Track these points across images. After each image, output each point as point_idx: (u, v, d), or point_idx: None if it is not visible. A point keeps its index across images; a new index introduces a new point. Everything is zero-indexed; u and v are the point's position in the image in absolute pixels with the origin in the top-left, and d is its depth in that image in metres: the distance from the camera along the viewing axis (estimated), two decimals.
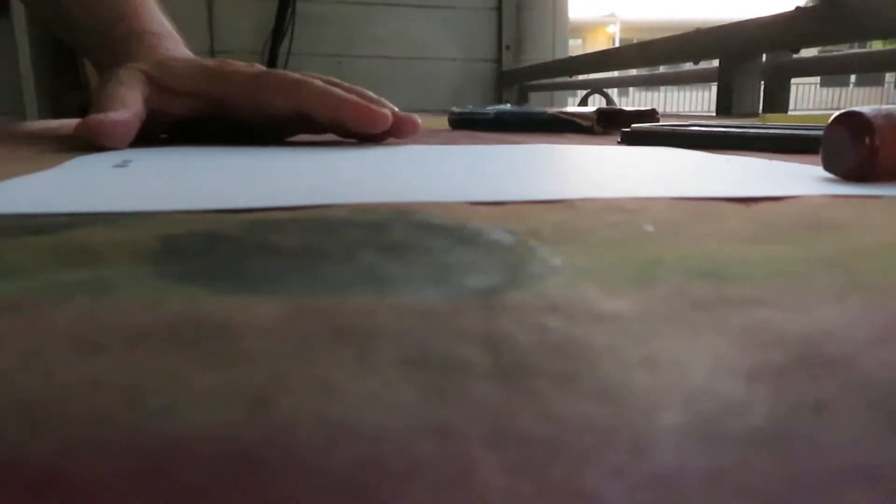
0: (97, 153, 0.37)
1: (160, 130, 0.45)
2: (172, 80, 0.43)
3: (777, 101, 1.29)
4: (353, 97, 0.42)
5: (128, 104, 0.40)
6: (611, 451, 0.07)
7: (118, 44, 0.46)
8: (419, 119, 0.44)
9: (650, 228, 0.18)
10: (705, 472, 0.07)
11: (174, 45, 0.48)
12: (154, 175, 0.28)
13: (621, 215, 0.20)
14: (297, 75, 0.44)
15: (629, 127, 0.47)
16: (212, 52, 2.00)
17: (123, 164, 0.31)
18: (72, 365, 0.10)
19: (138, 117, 0.41)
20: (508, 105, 0.73)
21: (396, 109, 0.44)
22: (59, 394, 0.09)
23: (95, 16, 0.48)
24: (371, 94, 0.45)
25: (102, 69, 0.48)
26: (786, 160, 0.36)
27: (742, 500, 0.07)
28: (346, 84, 0.46)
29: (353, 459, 0.07)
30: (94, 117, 0.39)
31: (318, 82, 0.43)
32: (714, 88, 1.24)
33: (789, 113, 1.32)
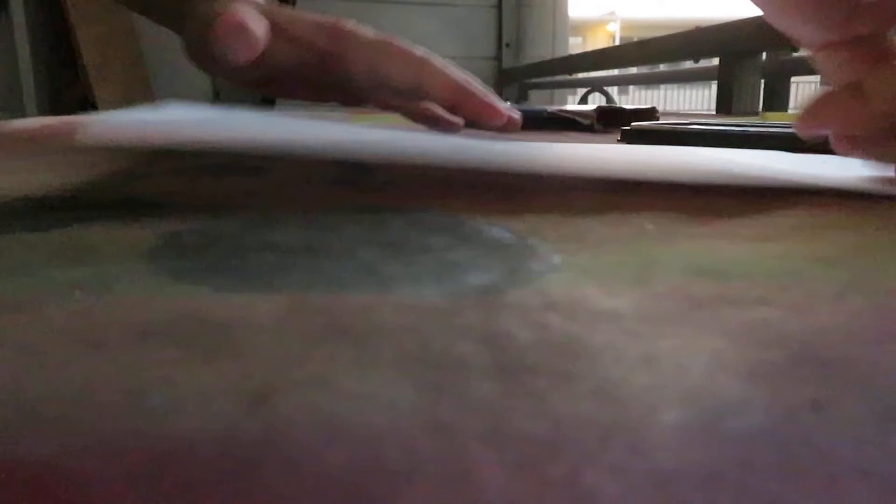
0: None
1: (257, 81, 0.41)
2: (288, 22, 0.39)
3: (777, 99, 1.29)
4: (478, 88, 0.40)
5: (256, 20, 0.36)
6: (609, 450, 0.07)
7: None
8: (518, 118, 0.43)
9: (650, 227, 0.18)
10: (704, 471, 0.07)
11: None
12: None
13: (621, 214, 0.20)
14: (418, 50, 0.40)
15: (628, 125, 0.47)
16: None
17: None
18: (72, 362, 0.10)
19: (267, 36, 0.37)
20: (508, 103, 0.73)
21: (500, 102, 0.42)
22: (58, 391, 0.09)
23: None
24: (478, 84, 0.42)
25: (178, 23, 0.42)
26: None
27: (740, 498, 0.07)
28: (452, 67, 0.42)
29: (352, 457, 0.07)
30: (233, 16, 0.35)
31: (440, 61, 0.40)
32: (714, 87, 1.24)
33: (790, 112, 1.32)
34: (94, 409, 0.08)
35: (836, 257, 0.15)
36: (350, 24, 0.41)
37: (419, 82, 0.40)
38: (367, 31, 0.41)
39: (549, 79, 2.08)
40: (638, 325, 0.11)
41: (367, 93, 0.43)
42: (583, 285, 0.13)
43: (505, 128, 0.41)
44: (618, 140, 0.48)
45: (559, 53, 2.15)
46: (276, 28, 0.39)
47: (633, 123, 0.48)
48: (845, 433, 0.08)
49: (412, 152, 0.26)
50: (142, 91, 1.97)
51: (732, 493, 0.07)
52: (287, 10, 0.41)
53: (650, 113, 0.60)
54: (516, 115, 0.41)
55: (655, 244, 0.17)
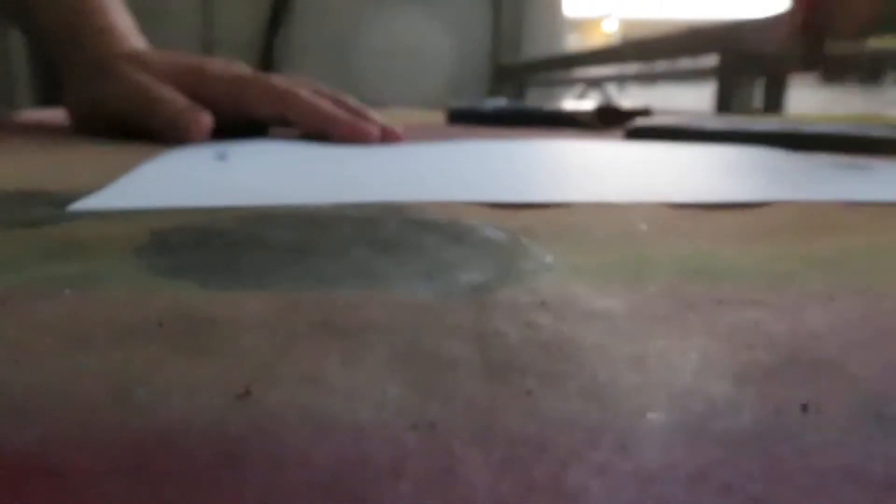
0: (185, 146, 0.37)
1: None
2: (155, 70, 0.43)
3: (774, 99, 1.29)
4: (342, 113, 0.42)
5: (185, 100, 0.41)
6: (596, 449, 0.07)
7: (85, 39, 0.46)
8: (401, 131, 0.44)
9: (643, 226, 0.18)
10: (690, 471, 0.07)
11: (139, 42, 0.49)
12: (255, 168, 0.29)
13: (615, 214, 0.20)
14: (282, 84, 0.43)
15: (627, 123, 0.47)
16: (208, 43, 1.99)
17: (223, 157, 0.32)
18: (58, 358, 0.10)
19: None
20: (504, 100, 0.73)
21: (380, 119, 0.44)
22: (44, 386, 0.09)
23: (61, 11, 0.47)
24: (356, 104, 0.45)
25: (65, 63, 0.47)
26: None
27: (726, 499, 0.07)
28: (329, 93, 0.45)
29: (338, 453, 0.07)
30: (204, 116, 0.40)
31: (305, 93, 0.43)
32: (708, 86, 1.24)
33: (789, 113, 1.32)
34: (79, 403, 0.08)
35: (829, 258, 0.15)
36: (214, 65, 0.45)
37: (283, 114, 0.43)
38: (231, 70, 0.44)
39: (546, 76, 2.07)
40: (628, 325, 0.11)
41: (243, 125, 0.45)
42: (574, 285, 0.13)
43: (385, 140, 0.43)
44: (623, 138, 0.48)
45: (557, 51, 2.15)
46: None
47: (637, 122, 0.48)
48: (832, 434, 0.08)
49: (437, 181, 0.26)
50: None
51: (718, 493, 0.07)
52: (153, 56, 0.44)
53: (645, 112, 0.60)
54: (398, 129, 0.43)
55: (648, 244, 0.17)
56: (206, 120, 0.40)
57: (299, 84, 0.45)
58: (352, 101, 0.45)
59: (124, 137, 0.42)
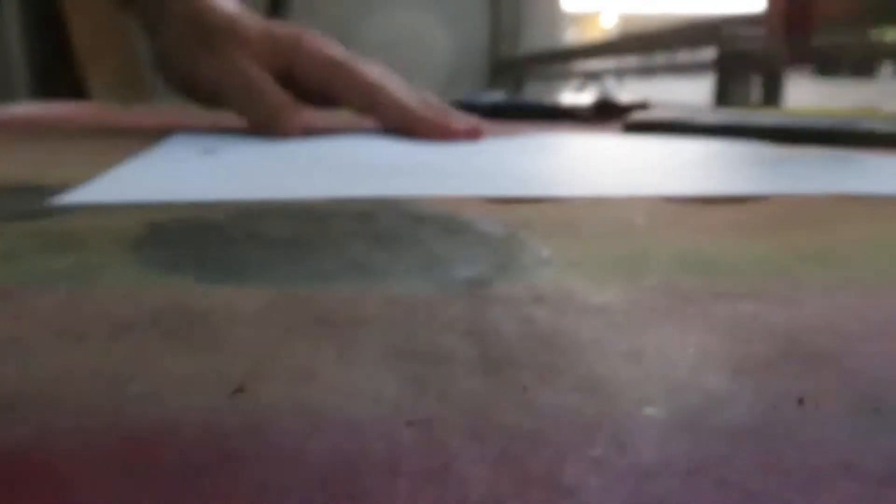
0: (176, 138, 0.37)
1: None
2: (253, 50, 0.41)
3: (773, 93, 1.29)
4: (429, 112, 0.41)
5: (282, 96, 0.40)
6: (593, 444, 0.07)
7: None
8: (483, 128, 0.42)
9: (640, 220, 0.18)
10: (686, 466, 0.07)
11: None
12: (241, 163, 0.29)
13: (612, 208, 0.20)
14: (372, 75, 0.42)
15: (624, 116, 0.47)
16: None
17: (211, 152, 0.32)
18: (53, 351, 0.09)
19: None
20: (502, 94, 0.73)
21: (463, 118, 0.42)
22: (39, 380, 0.09)
23: None
24: (437, 103, 0.44)
25: (153, 17, 0.44)
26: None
27: (722, 493, 0.07)
28: (405, 91, 0.44)
29: (334, 448, 0.07)
30: (299, 116, 0.39)
31: (393, 87, 0.42)
32: (706, 79, 1.24)
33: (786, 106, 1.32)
34: (74, 397, 0.08)
35: (825, 252, 0.15)
36: (308, 44, 0.42)
37: (370, 110, 0.42)
38: (327, 49, 0.43)
39: (545, 69, 2.07)
40: (625, 319, 0.11)
41: (318, 106, 0.43)
42: (571, 279, 0.13)
43: (468, 138, 0.41)
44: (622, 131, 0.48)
45: (556, 44, 2.14)
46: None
47: (635, 115, 0.48)
48: (829, 428, 0.08)
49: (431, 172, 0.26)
50: (135, 79, 1.95)
51: (714, 487, 0.07)
52: (253, 30, 0.42)
53: (642, 106, 0.60)
54: (479, 125, 0.41)
55: (645, 238, 0.17)
56: (301, 119, 0.39)
57: (386, 77, 0.43)
58: (432, 98, 0.44)
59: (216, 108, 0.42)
